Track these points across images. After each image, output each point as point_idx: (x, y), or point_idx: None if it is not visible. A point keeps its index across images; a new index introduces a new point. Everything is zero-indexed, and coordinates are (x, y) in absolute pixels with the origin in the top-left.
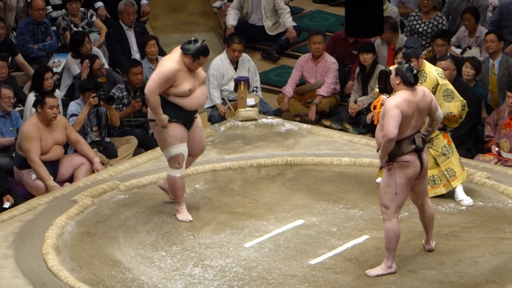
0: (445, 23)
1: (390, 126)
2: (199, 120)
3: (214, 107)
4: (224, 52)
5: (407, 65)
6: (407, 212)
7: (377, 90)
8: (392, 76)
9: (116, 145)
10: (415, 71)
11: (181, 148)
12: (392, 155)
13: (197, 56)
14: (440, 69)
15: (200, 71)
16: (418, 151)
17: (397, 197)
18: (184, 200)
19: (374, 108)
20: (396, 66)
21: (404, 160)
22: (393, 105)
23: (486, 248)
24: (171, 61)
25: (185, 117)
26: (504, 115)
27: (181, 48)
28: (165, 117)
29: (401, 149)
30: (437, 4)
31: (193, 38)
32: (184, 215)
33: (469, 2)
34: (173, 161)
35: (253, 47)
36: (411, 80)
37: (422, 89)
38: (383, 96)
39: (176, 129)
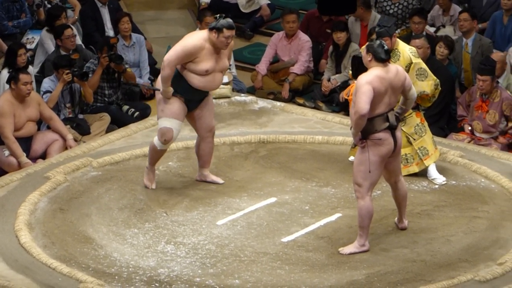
0: (415, 2)
1: (361, 102)
2: (210, 100)
3: None
4: (197, 29)
5: (378, 41)
6: (380, 190)
7: (351, 72)
8: (364, 53)
9: (89, 122)
10: (386, 47)
11: (172, 123)
12: (365, 132)
13: (220, 29)
14: (414, 48)
15: (225, 59)
16: (392, 129)
17: (371, 175)
18: (155, 164)
19: (348, 95)
20: (367, 43)
21: (377, 137)
22: (365, 82)
23: (459, 226)
24: (197, 38)
25: (191, 95)
26: (475, 96)
27: (209, 27)
28: (171, 90)
29: (374, 126)
30: None
31: (218, 15)
32: (149, 177)
33: None
34: (161, 134)
35: None
36: (382, 56)
37: (396, 67)
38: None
39: (175, 104)
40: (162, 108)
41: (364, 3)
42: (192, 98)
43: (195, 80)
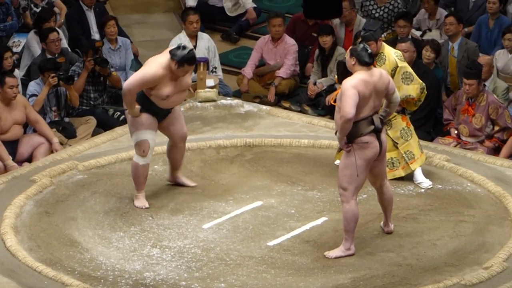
0: (400, 6)
1: (347, 106)
2: (177, 109)
3: None
4: (183, 31)
5: (361, 45)
6: (365, 194)
7: (336, 76)
8: (347, 57)
9: (75, 125)
10: (369, 51)
11: (147, 135)
12: (350, 136)
13: (182, 63)
14: (399, 52)
15: (186, 78)
16: (377, 132)
17: (356, 179)
18: (144, 188)
19: (335, 101)
20: (350, 47)
21: (363, 141)
22: (350, 86)
23: (445, 231)
24: (157, 66)
25: (158, 112)
26: (462, 100)
27: (169, 52)
28: (137, 109)
29: (360, 130)
30: None
31: (182, 44)
32: (140, 201)
33: None
34: (138, 147)
35: (213, 28)
36: (366, 59)
37: (379, 70)
38: None
39: (144, 116)
40: (132, 124)
41: (351, 2)
42: (160, 113)
43: (158, 102)
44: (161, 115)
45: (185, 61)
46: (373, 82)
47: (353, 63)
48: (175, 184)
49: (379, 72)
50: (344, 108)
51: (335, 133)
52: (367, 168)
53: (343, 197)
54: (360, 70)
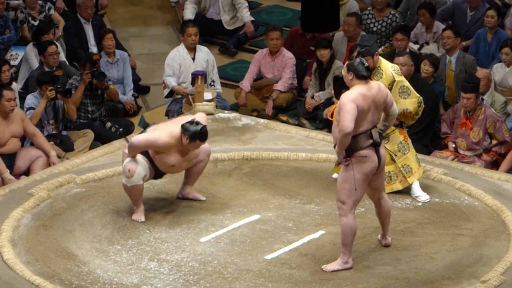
0: (398, 20)
1: (346, 120)
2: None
3: (172, 101)
4: (181, 43)
5: (358, 59)
6: (363, 207)
7: (333, 91)
8: (345, 72)
9: (73, 139)
10: (366, 64)
11: (133, 158)
12: (349, 150)
13: (193, 139)
14: (396, 66)
15: (196, 151)
16: (376, 146)
17: (355, 193)
18: (140, 203)
19: (332, 116)
20: (347, 62)
21: (362, 155)
22: (348, 100)
23: (442, 244)
24: (170, 136)
25: (156, 171)
26: (460, 114)
27: (182, 127)
28: (134, 161)
29: (359, 144)
30: (390, 1)
31: (195, 120)
32: (137, 215)
33: None
34: (125, 168)
35: (211, 41)
36: (363, 73)
37: (377, 83)
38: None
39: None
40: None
41: (357, 19)
42: (158, 174)
43: (161, 166)
44: (158, 175)
45: (197, 137)
46: (371, 95)
47: (350, 78)
48: (182, 198)
49: (377, 85)
50: (343, 122)
51: (334, 147)
52: (366, 182)
53: (341, 211)
54: (358, 84)
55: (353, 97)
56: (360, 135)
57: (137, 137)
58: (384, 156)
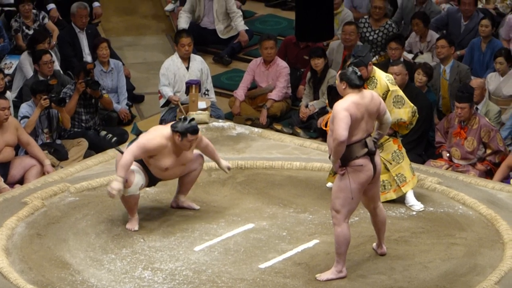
0: (395, 30)
1: (339, 128)
2: None
3: (166, 111)
4: (175, 53)
5: (350, 68)
6: (357, 217)
7: (327, 100)
8: (338, 82)
9: (67, 147)
10: (359, 73)
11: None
12: (345, 159)
13: (185, 134)
14: (390, 75)
15: (188, 153)
16: (371, 155)
17: (350, 202)
18: (135, 213)
19: (326, 125)
20: (339, 71)
21: (357, 164)
22: (342, 108)
23: (436, 253)
24: (161, 137)
25: (151, 178)
26: (454, 123)
27: (171, 127)
28: (120, 181)
29: (354, 153)
30: (388, 12)
31: (182, 117)
32: (131, 224)
33: (421, 7)
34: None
35: (205, 50)
36: (356, 82)
37: (370, 92)
38: None
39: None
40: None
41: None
42: (153, 180)
43: (156, 172)
44: (152, 182)
45: (188, 131)
46: (364, 104)
47: (343, 87)
48: (176, 207)
49: (370, 94)
50: (337, 131)
51: (329, 157)
52: (361, 192)
53: (335, 220)
54: (351, 93)
55: (346, 105)
56: (354, 144)
57: (132, 145)
58: (380, 165)
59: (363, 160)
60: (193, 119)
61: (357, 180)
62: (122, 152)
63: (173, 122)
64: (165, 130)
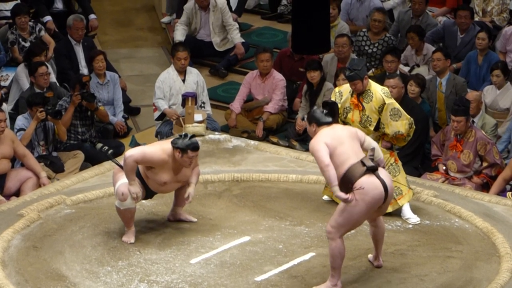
0: (394, 43)
1: (320, 156)
2: None
3: (162, 123)
4: (172, 65)
5: (315, 108)
6: (353, 230)
7: None
8: (308, 126)
9: (63, 160)
10: (325, 111)
11: (125, 180)
12: (346, 186)
13: (185, 150)
14: (386, 88)
15: (186, 171)
16: (373, 171)
17: (352, 224)
18: (132, 225)
19: None
20: (307, 115)
21: (359, 185)
22: (315, 142)
23: (432, 266)
24: (163, 151)
25: (147, 191)
26: (450, 136)
27: (171, 143)
28: (136, 184)
29: (353, 175)
30: (387, 26)
31: (183, 133)
32: (127, 236)
33: (418, 20)
34: (117, 192)
35: (201, 62)
36: (325, 120)
37: (338, 124)
38: None
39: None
40: (114, 179)
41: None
42: (149, 194)
43: (153, 186)
44: (149, 195)
45: (188, 147)
46: (337, 132)
47: (314, 129)
48: (173, 220)
49: (341, 125)
50: (318, 159)
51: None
52: (369, 213)
53: (329, 234)
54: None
55: (318, 138)
56: (350, 168)
57: (133, 149)
58: (390, 182)
59: (366, 178)
60: (193, 136)
61: (366, 200)
62: (119, 165)
63: (173, 139)
64: (166, 145)
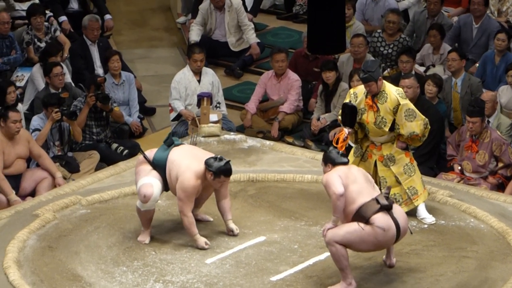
0: (409, 44)
1: (333, 186)
2: None
3: (178, 123)
4: (187, 65)
5: (330, 149)
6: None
7: (340, 117)
8: (323, 167)
9: (78, 160)
10: (341, 152)
11: (150, 179)
12: (359, 221)
13: (218, 174)
14: (401, 89)
15: (212, 189)
16: (387, 209)
17: (355, 249)
18: (149, 226)
19: (337, 142)
20: (322, 156)
21: (375, 223)
22: (329, 174)
23: (448, 266)
24: (194, 177)
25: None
26: (465, 136)
27: (205, 163)
28: (201, 239)
29: (366, 213)
30: (401, 26)
31: (219, 156)
32: (143, 236)
33: (434, 20)
34: (140, 192)
35: (217, 63)
36: (342, 160)
37: (353, 165)
38: (346, 130)
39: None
40: (137, 173)
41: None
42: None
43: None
44: (166, 188)
45: (222, 172)
46: (353, 170)
47: (329, 170)
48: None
49: (356, 166)
50: (331, 189)
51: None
52: (375, 248)
53: (329, 245)
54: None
55: (333, 172)
56: (364, 205)
57: (179, 205)
58: (404, 219)
59: (381, 215)
60: (229, 161)
61: (378, 239)
62: (145, 156)
63: (208, 158)
64: (196, 167)
